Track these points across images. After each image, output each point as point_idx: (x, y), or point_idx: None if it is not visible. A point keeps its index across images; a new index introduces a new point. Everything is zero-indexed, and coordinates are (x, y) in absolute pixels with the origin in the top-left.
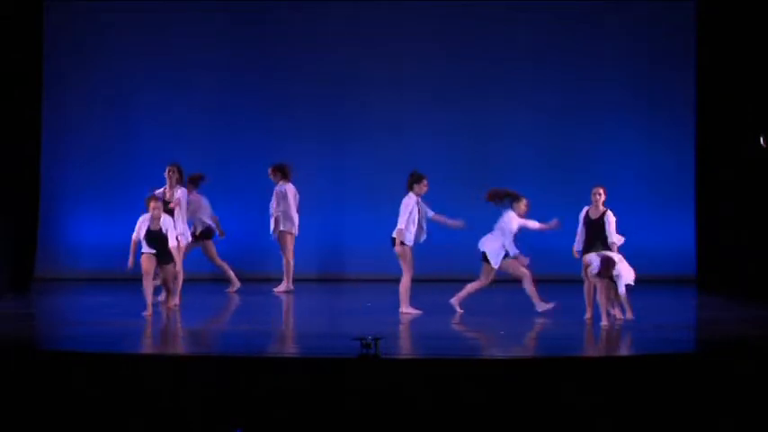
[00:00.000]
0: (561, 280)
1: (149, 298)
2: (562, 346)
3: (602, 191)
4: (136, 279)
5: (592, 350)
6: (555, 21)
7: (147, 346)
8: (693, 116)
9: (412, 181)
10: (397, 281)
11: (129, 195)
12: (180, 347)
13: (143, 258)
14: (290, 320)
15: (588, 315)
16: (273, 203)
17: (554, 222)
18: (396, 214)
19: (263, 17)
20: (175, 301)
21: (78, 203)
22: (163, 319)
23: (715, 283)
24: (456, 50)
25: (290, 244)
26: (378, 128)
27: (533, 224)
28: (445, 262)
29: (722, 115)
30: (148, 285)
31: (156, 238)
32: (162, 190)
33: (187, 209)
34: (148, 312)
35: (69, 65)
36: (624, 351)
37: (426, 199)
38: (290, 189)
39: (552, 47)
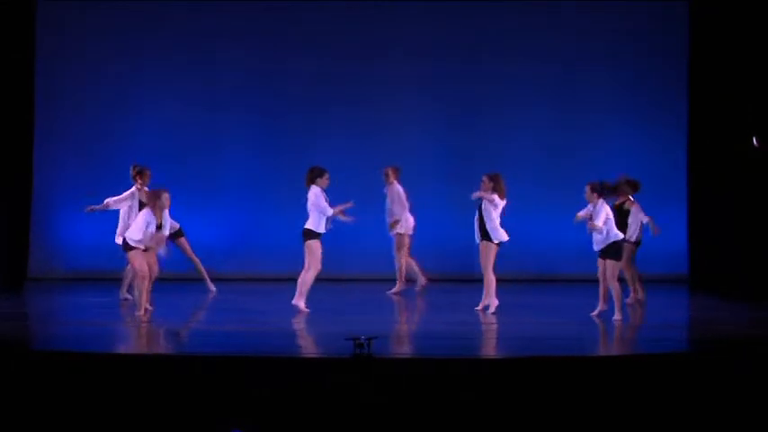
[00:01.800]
0: (564, 280)
1: (145, 297)
2: (557, 346)
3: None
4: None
5: (586, 350)
6: (549, 20)
7: (141, 346)
8: (686, 116)
9: (314, 176)
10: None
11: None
12: (174, 347)
13: (138, 258)
14: (283, 320)
15: (600, 309)
16: (389, 203)
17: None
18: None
19: (258, 16)
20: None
21: (71, 203)
22: (157, 318)
23: (707, 282)
24: (453, 50)
25: (405, 245)
26: (375, 127)
27: None
28: (447, 262)
29: (715, 115)
30: (146, 285)
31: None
32: (133, 191)
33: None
34: (141, 312)
35: (62, 65)
36: (616, 351)
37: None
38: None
39: (546, 46)
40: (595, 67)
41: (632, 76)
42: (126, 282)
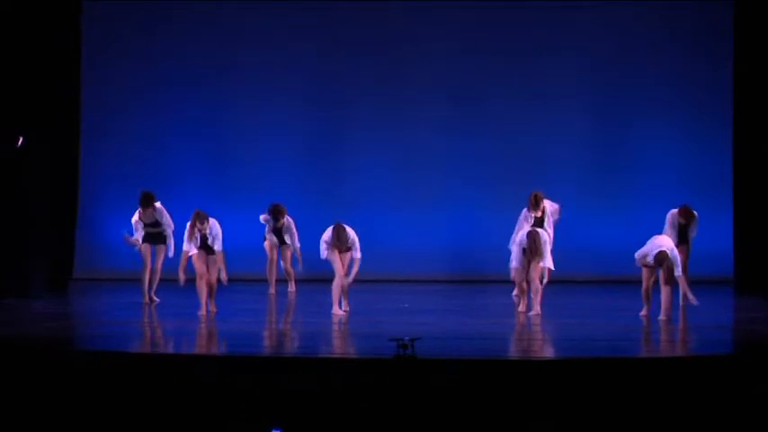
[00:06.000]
0: (606, 281)
1: (204, 298)
2: (599, 347)
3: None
4: (172, 279)
5: (629, 351)
6: (593, 22)
7: (185, 346)
8: (732, 117)
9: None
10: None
11: (165, 196)
12: (218, 347)
13: (194, 259)
14: (325, 321)
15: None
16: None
17: None
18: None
19: (284, 21)
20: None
21: (116, 204)
22: (200, 319)
23: (753, 284)
24: (493, 51)
25: None
26: (397, 127)
27: None
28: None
29: (761, 116)
30: (203, 286)
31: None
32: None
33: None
34: (203, 312)
35: (108, 65)
36: (661, 352)
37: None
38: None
39: (589, 48)
40: (639, 67)
41: (677, 77)
42: (145, 284)
